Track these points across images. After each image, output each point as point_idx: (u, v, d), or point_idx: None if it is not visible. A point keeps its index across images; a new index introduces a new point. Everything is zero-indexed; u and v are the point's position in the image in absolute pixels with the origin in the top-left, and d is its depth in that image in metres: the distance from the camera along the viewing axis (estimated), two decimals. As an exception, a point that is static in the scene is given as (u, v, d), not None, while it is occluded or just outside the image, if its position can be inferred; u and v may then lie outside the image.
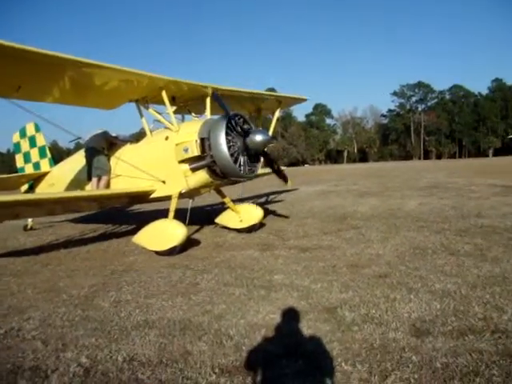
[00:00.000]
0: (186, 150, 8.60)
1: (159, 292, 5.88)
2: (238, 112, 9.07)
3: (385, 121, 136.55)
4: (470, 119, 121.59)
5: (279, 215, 12.50)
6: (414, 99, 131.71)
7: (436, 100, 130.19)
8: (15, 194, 11.01)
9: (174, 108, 9.77)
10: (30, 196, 9.97)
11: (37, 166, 13.77)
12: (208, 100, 9.73)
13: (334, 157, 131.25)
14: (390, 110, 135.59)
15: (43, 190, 12.53)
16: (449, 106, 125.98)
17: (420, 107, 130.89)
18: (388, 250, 7.53)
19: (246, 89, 10.79)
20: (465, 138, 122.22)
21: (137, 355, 3.96)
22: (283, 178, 9.98)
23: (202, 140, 8.52)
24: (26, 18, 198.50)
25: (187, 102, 10.18)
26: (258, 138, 8.61)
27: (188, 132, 8.84)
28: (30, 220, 12.92)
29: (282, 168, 17.87)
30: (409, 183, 22.88)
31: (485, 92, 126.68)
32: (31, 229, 12.97)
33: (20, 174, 13.87)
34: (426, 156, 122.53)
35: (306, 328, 4.35)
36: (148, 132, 9.72)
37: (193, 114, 10.31)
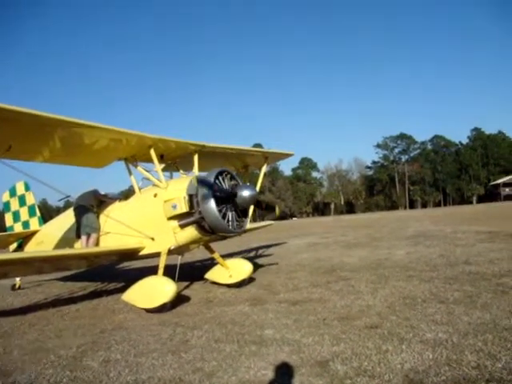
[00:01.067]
0: (174, 207, 8.67)
1: (149, 350, 5.80)
2: (225, 168, 9.23)
3: (370, 172, 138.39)
4: (453, 168, 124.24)
5: (269, 264, 12.36)
6: (396, 150, 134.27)
7: (418, 150, 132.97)
8: (3, 253, 10.94)
9: (163, 165, 9.96)
10: (18, 255, 9.89)
11: (26, 224, 13.73)
12: (196, 157, 9.92)
13: (321, 209, 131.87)
14: (374, 162, 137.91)
15: (32, 249, 12.46)
16: (431, 155, 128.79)
17: (403, 158, 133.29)
18: (378, 300, 7.53)
19: (232, 145, 11.03)
20: (448, 186, 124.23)
21: (127, 417, 3.87)
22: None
23: (191, 196, 8.62)
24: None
25: (175, 159, 10.37)
26: (246, 193, 8.74)
27: (176, 189, 8.95)
28: (17, 279, 12.78)
29: (270, 223, 18.02)
30: (396, 233, 23.07)
31: (465, 141, 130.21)
32: (19, 288, 12.80)
33: (9, 232, 13.80)
34: (412, 205, 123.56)
35: (299, 383, 4.30)
36: (137, 189, 9.82)
37: (181, 171, 10.47)
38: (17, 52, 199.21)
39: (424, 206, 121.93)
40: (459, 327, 5.61)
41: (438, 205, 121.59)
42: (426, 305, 6.92)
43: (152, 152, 9.22)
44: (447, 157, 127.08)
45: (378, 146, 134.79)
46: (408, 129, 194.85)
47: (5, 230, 14.25)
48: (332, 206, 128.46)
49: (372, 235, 22.88)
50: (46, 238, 12.15)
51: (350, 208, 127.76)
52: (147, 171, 9.75)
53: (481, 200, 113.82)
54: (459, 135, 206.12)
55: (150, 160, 9.37)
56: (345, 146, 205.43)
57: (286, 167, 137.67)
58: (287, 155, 13.78)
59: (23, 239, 13.13)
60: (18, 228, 13.87)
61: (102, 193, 11.05)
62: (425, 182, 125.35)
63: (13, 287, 12.80)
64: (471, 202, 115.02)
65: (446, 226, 25.09)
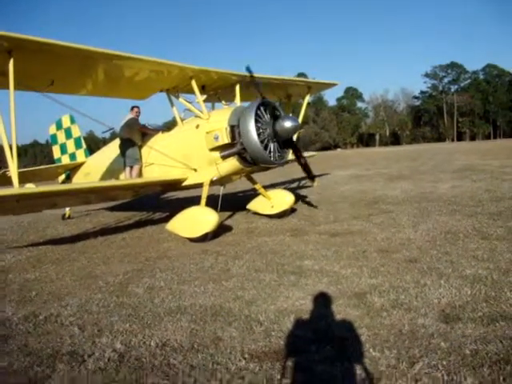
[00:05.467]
0: (216, 138, 8.70)
1: (192, 278, 6.01)
2: (267, 99, 9.09)
3: (417, 103, 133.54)
4: (505, 99, 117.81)
5: (308, 204, 12.20)
6: (446, 80, 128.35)
7: (469, 80, 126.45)
8: (53, 184, 11.35)
9: (204, 97, 9.87)
10: (66, 186, 10.25)
11: (73, 156, 14.11)
12: (237, 88, 9.79)
13: (365, 140, 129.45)
14: (422, 92, 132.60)
15: (79, 180, 12.86)
16: (482, 85, 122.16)
17: (453, 88, 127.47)
18: (419, 234, 7.49)
19: (276, 75, 10.81)
20: (499, 118, 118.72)
21: (169, 341, 4.06)
22: (310, 174, 9.86)
23: (232, 127, 8.59)
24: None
25: (217, 90, 10.27)
26: (287, 124, 8.62)
27: (218, 120, 8.92)
28: (67, 209, 13.30)
29: (313, 154, 17.78)
30: (441, 166, 22.52)
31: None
32: (69, 218, 13.32)
33: (57, 164, 14.22)
34: (460, 137, 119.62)
35: (336, 313, 4.40)
36: (179, 121, 9.88)
37: (223, 102, 10.38)
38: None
39: (473, 138, 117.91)
40: (500, 264, 5.54)
41: (487, 137, 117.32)
42: (467, 240, 6.84)
43: (193, 83, 9.17)
44: (500, 87, 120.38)
45: (427, 75, 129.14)
46: (459, 57, 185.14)
47: (53, 162, 14.69)
48: (377, 137, 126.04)
49: (417, 168, 22.45)
50: (93, 170, 12.49)
51: (395, 139, 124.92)
52: (189, 102, 9.73)
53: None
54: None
55: (192, 91, 9.34)
56: (392, 76, 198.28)
57: (331, 97, 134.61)
58: (331, 85, 13.44)
59: (71, 171, 13.54)
60: (66, 160, 14.25)
61: (146, 124, 11.11)
62: (474, 113, 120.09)
63: (63, 217, 13.32)
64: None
65: (494, 159, 24.27)
